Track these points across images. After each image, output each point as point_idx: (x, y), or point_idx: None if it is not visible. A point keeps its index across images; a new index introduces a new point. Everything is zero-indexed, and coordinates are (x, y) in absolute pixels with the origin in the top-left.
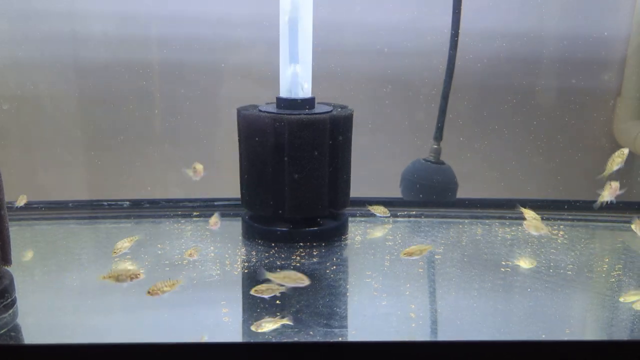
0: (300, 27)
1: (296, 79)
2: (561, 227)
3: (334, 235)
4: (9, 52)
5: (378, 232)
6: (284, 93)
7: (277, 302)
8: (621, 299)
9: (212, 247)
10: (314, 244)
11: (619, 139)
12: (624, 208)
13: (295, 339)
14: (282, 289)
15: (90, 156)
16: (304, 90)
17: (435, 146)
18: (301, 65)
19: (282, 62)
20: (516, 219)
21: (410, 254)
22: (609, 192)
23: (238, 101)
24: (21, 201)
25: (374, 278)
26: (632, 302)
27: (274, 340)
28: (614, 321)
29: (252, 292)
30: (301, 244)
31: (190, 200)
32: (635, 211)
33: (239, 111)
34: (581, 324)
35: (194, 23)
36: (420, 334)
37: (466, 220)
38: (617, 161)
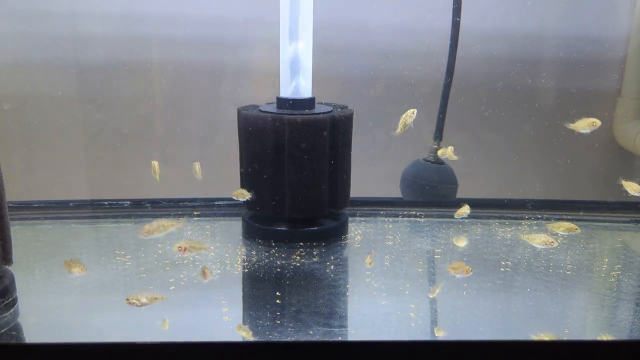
0: (300, 26)
1: (296, 77)
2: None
3: (333, 235)
4: (9, 52)
5: (378, 232)
6: (284, 93)
7: (277, 301)
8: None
9: (212, 247)
10: (314, 243)
11: (619, 139)
12: (623, 208)
13: (295, 339)
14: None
15: (91, 156)
16: (303, 85)
17: (435, 146)
18: (301, 68)
19: (282, 61)
20: (516, 219)
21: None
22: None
23: (238, 101)
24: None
25: (374, 278)
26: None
27: (273, 339)
28: (613, 321)
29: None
30: (301, 243)
31: (190, 200)
32: (634, 211)
33: (239, 111)
34: (580, 324)
35: (194, 23)
36: (419, 333)
37: (466, 220)
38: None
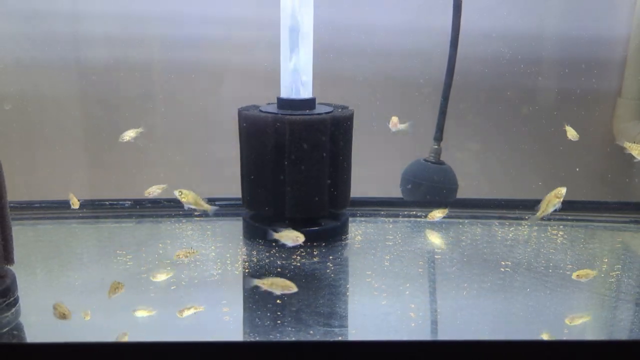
0: (301, 27)
1: (297, 78)
2: (561, 227)
3: (334, 235)
4: (10, 52)
5: (378, 232)
6: (284, 93)
7: (278, 301)
8: None
9: (213, 247)
10: (315, 243)
11: (619, 140)
12: (623, 208)
13: (295, 339)
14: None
15: (92, 156)
16: (304, 85)
17: (436, 146)
18: (302, 66)
19: (282, 62)
20: (516, 219)
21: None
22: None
23: (239, 101)
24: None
25: (374, 278)
26: None
27: (274, 339)
28: (613, 321)
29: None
30: (301, 243)
31: None
32: (634, 211)
33: (240, 111)
34: (580, 324)
35: (194, 23)
36: (419, 333)
37: (466, 221)
38: (553, 202)
